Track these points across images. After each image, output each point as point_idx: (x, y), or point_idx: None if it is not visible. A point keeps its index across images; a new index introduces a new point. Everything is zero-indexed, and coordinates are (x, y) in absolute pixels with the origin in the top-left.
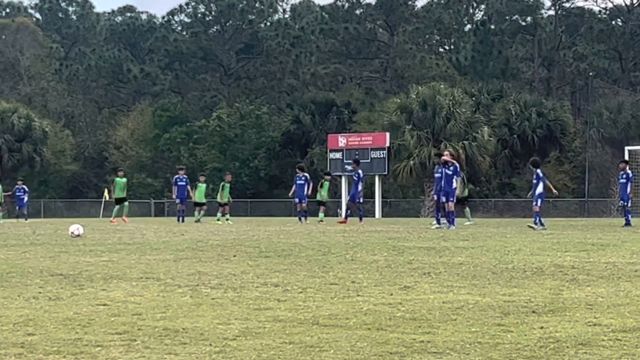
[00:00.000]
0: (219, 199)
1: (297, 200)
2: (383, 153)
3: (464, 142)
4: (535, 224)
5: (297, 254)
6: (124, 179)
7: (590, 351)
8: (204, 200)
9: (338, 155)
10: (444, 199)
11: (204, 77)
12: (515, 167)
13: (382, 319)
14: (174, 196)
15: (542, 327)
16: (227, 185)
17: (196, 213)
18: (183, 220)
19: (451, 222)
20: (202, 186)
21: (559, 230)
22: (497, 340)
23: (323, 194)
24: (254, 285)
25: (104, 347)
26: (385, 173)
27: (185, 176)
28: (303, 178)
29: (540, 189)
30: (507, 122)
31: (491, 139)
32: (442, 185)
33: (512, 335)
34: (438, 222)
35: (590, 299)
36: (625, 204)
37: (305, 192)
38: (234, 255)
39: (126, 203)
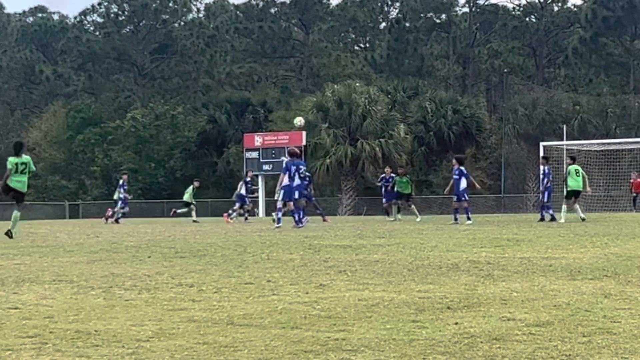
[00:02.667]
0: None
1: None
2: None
3: (380, 139)
4: (469, 218)
5: (212, 254)
6: None
7: (505, 346)
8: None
9: (254, 154)
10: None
11: (118, 78)
12: (431, 164)
13: (297, 317)
14: (123, 195)
15: (456, 323)
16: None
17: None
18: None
19: (296, 221)
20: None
21: (475, 226)
22: (412, 337)
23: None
24: (168, 286)
25: (14, 351)
26: None
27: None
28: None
29: (464, 184)
30: (423, 120)
31: (407, 136)
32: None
33: (427, 331)
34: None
35: (504, 294)
36: (545, 201)
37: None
38: (149, 257)
39: None
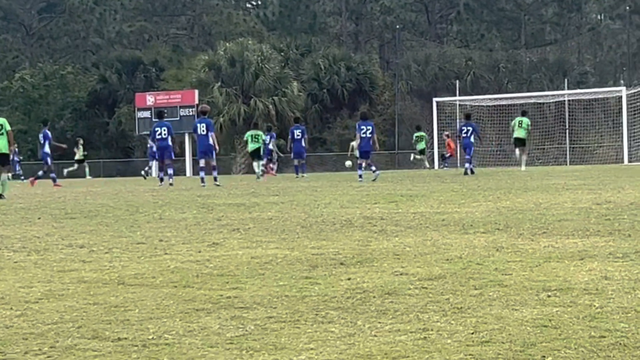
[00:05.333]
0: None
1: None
2: (192, 111)
3: (274, 97)
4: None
5: (104, 215)
6: None
7: (397, 300)
8: None
9: (146, 114)
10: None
11: (5, 38)
12: (325, 121)
13: (189, 276)
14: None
15: (349, 279)
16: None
17: None
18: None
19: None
20: None
21: (369, 182)
22: (305, 293)
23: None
24: (58, 247)
25: None
26: None
27: None
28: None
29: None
30: (316, 77)
31: (301, 94)
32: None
33: (320, 287)
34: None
35: (397, 249)
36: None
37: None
38: (39, 218)
39: None
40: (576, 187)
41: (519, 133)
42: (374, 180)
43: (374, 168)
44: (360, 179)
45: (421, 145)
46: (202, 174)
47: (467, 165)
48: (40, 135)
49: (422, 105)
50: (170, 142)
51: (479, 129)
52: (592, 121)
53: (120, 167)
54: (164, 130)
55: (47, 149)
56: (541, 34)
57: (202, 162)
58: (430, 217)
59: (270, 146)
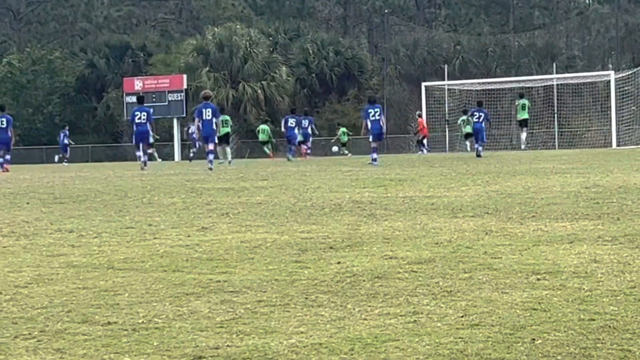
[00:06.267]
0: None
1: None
2: (180, 95)
3: (262, 82)
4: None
5: (92, 199)
6: None
7: (386, 283)
8: None
9: (135, 98)
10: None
11: None
12: (314, 106)
13: (178, 260)
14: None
15: (339, 262)
16: None
17: None
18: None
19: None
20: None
21: (358, 167)
22: (294, 277)
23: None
24: (47, 231)
25: None
26: (184, 115)
27: None
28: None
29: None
30: (305, 62)
31: (289, 78)
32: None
33: (309, 271)
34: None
35: (387, 233)
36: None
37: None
38: (27, 203)
39: None
40: (565, 171)
41: (520, 115)
42: (369, 163)
43: (376, 158)
44: (374, 162)
45: (468, 129)
46: (210, 156)
47: (479, 148)
48: (3, 119)
49: (410, 90)
50: (149, 127)
51: (489, 115)
52: (580, 105)
53: (109, 151)
54: (144, 115)
55: (10, 133)
56: (529, 18)
57: (211, 146)
58: (419, 201)
59: (309, 130)
